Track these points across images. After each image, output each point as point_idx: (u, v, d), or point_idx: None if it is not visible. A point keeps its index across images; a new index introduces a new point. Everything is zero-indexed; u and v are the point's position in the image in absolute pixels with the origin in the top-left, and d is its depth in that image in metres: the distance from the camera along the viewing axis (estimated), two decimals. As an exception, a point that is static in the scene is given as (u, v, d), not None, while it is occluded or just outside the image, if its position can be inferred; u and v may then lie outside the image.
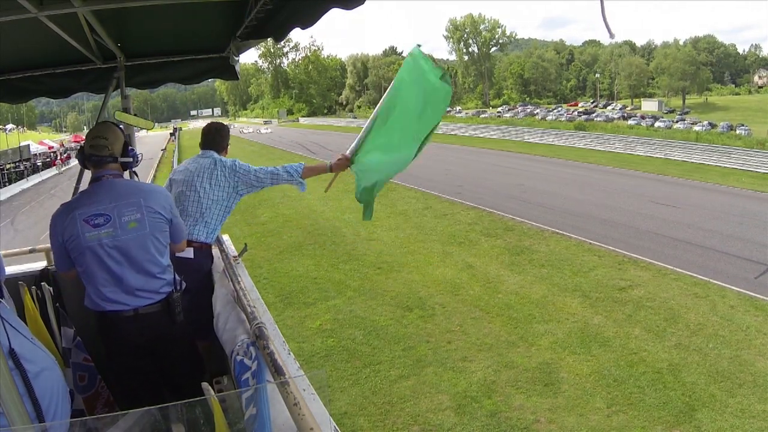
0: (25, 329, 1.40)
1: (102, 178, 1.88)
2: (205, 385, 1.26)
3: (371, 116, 2.44)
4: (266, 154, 35.03)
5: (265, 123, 78.22)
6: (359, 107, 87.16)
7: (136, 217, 1.81)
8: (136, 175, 2.79)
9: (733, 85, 76.41)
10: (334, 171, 2.64)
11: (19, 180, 26.36)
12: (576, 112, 57.97)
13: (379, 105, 2.41)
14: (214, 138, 2.56)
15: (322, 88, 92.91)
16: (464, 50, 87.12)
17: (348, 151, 2.59)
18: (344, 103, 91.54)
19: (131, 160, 1.98)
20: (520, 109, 66.85)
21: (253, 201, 15.83)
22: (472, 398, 5.78)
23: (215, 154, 2.50)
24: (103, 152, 1.89)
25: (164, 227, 1.90)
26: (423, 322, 7.75)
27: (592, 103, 73.60)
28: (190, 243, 2.34)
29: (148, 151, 33.90)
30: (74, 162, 35.25)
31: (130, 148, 1.99)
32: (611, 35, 1.12)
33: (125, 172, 2.03)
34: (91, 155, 1.89)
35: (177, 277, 1.96)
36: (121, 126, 2.13)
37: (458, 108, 78.08)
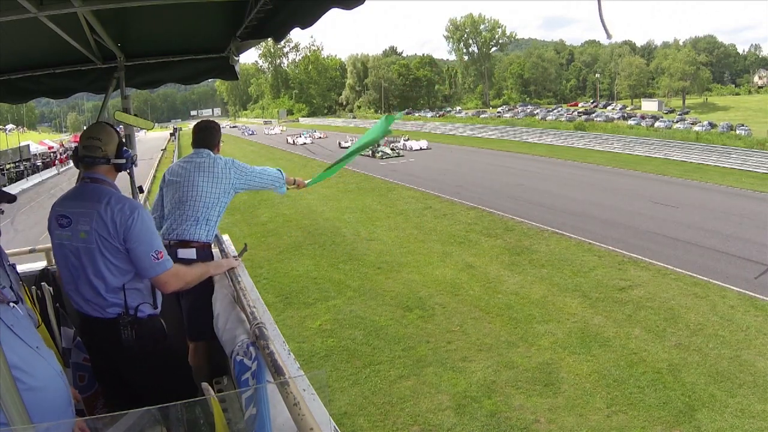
0: (32, 338, 1.36)
1: (84, 180, 1.88)
2: (204, 385, 1.26)
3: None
4: (266, 155, 35.03)
5: (265, 123, 78.14)
6: (359, 107, 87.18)
7: (86, 228, 1.78)
8: (131, 177, 2.76)
9: (733, 85, 76.43)
10: (296, 186, 2.91)
11: (19, 180, 26.36)
12: (576, 113, 57.97)
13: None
14: (206, 136, 2.52)
15: (322, 88, 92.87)
16: (464, 50, 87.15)
17: (307, 182, 2.95)
18: (344, 103, 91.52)
19: (124, 161, 1.93)
20: (519, 109, 66.84)
21: (253, 201, 15.84)
22: (472, 398, 5.79)
23: (211, 154, 2.48)
24: (96, 153, 1.86)
25: (114, 249, 1.78)
26: (423, 322, 7.75)
27: (592, 103, 73.62)
28: (190, 243, 2.34)
29: (147, 151, 33.98)
30: (74, 162, 35.05)
31: (124, 149, 1.95)
32: (608, 36, 1.13)
33: (119, 174, 1.98)
34: (84, 156, 1.87)
35: (134, 304, 1.85)
36: (120, 126, 2.11)
37: (458, 108, 78.08)
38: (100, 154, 1.86)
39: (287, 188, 2.79)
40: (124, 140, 1.99)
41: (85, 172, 1.89)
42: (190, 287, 2.10)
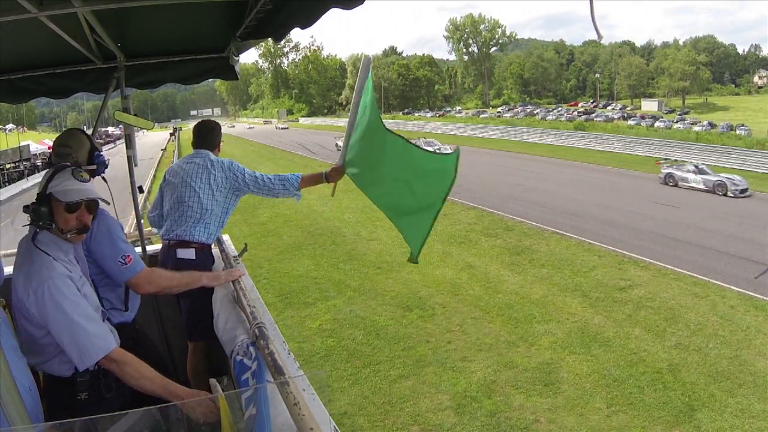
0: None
1: None
2: (213, 381, 1.26)
3: (349, 121, 2.34)
4: (267, 154, 35.02)
5: (265, 123, 78.48)
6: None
7: None
8: (131, 177, 2.82)
9: (733, 85, 76.43)
10: (330, 181, 2.57)
11: (19, 180, 26.32)
12: (576, 112, 57.98)
13: (352, 112, 2.33)
14: (206, 136, 2.51)
15: (322, 88, 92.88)
16: (464, 50, 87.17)
17: (339, 160, 2.54)
18: (344, 103, 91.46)
19: (95, 167, 1.96)
20: (520, 109, 66.88)
21: (253, 201, 15.81)
22: (472, 398, 5.79)
23: (210, 155, 2.46)
24: (66, 160, 1.88)
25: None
26: (423, 322, 7.75)
27: (592, 103, 73.62)
28: (189, 244, 2.33)
29: (148, 151, 33.93)
30: (74, 162, 35.05)
31: (97, 153, 1.99)
32: (599, 36, 1.16)
33: (93, 179, 2.02)
34: (56, 164, 1.92)
35: None
36: (120, 126, 2.12)
37: (458, 108, 78.08)
38: (70, 161, 1.89)
39: (327, 190, 2.60)
40: (96, 146, 2.03)
41: None
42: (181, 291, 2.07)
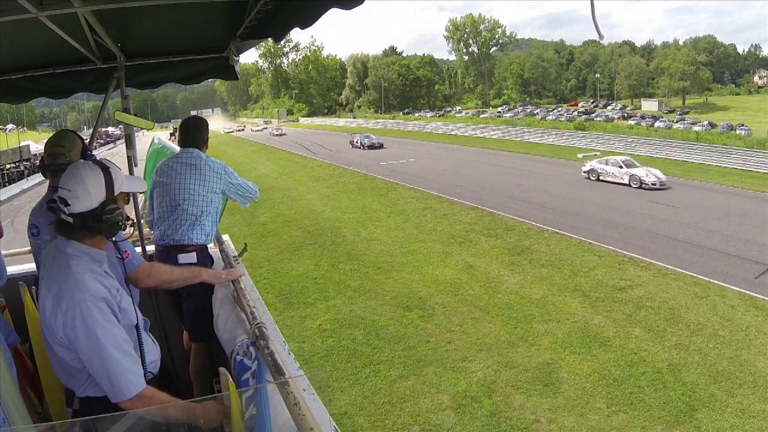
0: None
1: (51, 188, 1.95)
2: (222, 369, 1.27)
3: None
4: (267, 154, 35.01)
5: (265, 123, 78.40)
6: (359, 107, 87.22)
7: (48, 239, 1.80)
8: None
9: (733, 85, 76.43)
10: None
11: (19, 180, 26.32)
12: (576, 112, 57.99)
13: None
14: (194, 134, 2.46)
15: (322, 88, 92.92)
16: (464, 50, 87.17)
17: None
18: (344, 103, 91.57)
19: None
20: (519, 109, 66.88)
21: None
22: (472, 398, 5.79)
23: (201, 154, 2.42)
24: (60, 160, 1.92)
25: None
26: (423, 322, 7.75)
27: (592, 103, 73.59)
28: (187, 248, 2.31)
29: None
30: (74, 162, 35.07)
31: (89, 153, 2.02)
32: (600, 36, 1.15)
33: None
34: (50, 165, 1.93)
35: None
36: (120, 126, 2.14)
37: (458, 108, 78.09)
38: (64, 160, 1.93)
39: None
40: (87, 145, 2.08)
41: (52, 182, 1.96)
42: (182, 288, 2.07)
